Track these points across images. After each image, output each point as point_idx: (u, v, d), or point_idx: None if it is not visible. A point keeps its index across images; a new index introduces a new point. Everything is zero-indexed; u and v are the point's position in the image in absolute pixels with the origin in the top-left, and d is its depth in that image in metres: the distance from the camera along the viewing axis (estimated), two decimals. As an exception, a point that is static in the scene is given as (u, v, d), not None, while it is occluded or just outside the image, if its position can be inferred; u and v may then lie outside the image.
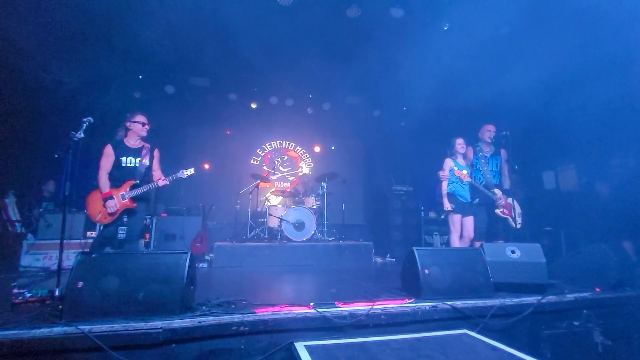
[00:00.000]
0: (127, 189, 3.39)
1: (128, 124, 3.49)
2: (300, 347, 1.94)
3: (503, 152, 4.28)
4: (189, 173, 3.62)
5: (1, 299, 2.43)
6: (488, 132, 4.19)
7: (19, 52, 4.70)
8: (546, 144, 5.82)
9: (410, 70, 6.09)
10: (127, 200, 3.36)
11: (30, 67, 4.94)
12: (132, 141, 3.53)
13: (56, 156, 2.82)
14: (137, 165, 3.48)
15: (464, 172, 3.94)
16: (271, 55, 5.88)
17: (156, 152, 3.66)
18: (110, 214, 3.29)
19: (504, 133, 3.97)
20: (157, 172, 3.64)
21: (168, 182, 3.54)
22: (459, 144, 4.17)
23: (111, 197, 3.28)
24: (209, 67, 6.38)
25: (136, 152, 3.52)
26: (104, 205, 3.28)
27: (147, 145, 3.62)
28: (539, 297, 2.61)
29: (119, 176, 3.40)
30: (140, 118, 3.53)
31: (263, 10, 4.82)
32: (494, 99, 6.23)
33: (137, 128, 3.51)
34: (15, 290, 2.35)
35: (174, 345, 1.88)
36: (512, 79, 5.68)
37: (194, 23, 4.93)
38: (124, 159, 3.43)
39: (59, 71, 5.20)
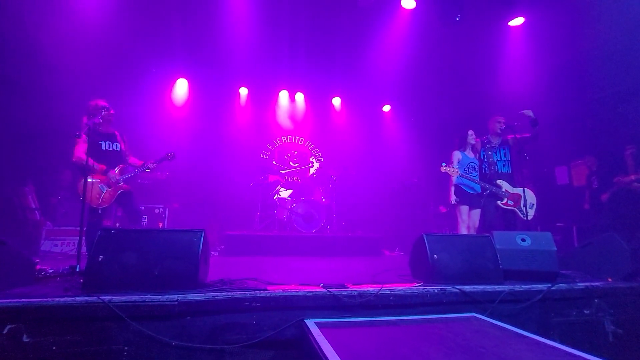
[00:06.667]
0: (119, 173, 3.50)
1: (95, 111, 3.45)
2: (311, 323, 1.98)
3: (511, 139, 4.16)
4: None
5: (25, 275, 2.53)
6: (498, 123, 4.13)
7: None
8: (560, 139, 5.75)
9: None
10: (121, 183, 3.50)
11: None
12: (103, 127, 3.57)
13: (77, 134, 2.96)
14: (116, 149, 3.59)
15: (451, 169, 3.83)
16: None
17: (126, 137, 3.78)
18: (110, 195, 3.41)
19: (515, 124, 3.93)
20: (131, 157, 3.76)
21: (155, 166, 3.69)
22: (471, 135, 4.14)
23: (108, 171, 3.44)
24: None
25: (111, 137, 3.61)
26: (107, 178, 3.41)
27: (116, 131, 3.70)
28: (549, 285, 2.60)
29: (103, 160, 3.46)
30: (104, 104, 3.55)
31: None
32: (505, 92, 6.17)
33: (104, 114, 3.48)
34: (38, 267, 2.46)
35: (188, 318, 1.95)
36: (523, 71, 5.59)
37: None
38: (102, 143, 3.52)
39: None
